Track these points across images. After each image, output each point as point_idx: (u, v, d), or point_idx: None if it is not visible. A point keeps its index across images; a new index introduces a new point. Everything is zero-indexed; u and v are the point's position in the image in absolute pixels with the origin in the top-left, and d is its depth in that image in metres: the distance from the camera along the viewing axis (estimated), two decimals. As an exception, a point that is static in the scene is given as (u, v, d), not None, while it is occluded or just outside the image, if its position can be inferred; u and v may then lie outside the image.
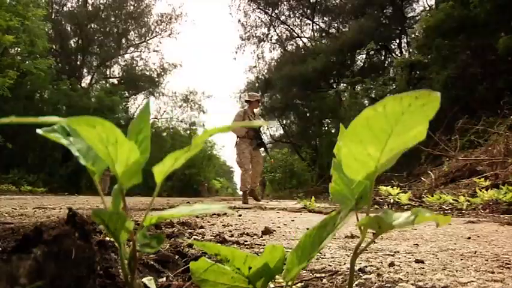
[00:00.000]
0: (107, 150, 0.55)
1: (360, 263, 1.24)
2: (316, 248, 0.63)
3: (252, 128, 8.57)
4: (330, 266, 1.23)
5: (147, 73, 32.14)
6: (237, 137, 8.84)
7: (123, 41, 31.27)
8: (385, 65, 23.36)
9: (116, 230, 0.58)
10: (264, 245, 1.71)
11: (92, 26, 29.47)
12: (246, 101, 9.22)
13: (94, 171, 0.66)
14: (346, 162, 0.60)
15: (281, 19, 29.40)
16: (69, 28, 28.93)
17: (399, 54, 22.06)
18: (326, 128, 27.01)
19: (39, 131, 0.63)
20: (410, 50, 18.11)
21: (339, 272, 1.12)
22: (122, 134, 0.54)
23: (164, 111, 33.41)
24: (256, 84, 29.35)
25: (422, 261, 1.27)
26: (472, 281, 0.99)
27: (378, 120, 0.52)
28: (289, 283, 0.68)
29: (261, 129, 9.00)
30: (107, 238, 0.97)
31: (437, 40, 12.79)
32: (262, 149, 9.09)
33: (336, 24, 28.52)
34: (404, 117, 0.51)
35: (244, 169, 8.46)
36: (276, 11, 29.11)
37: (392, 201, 5.23)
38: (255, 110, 8.89)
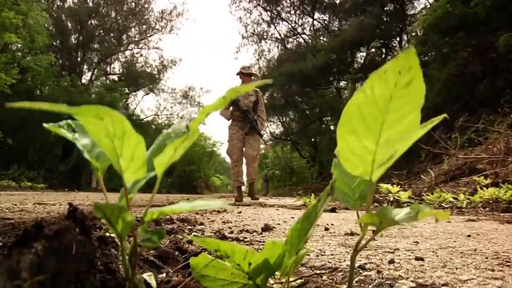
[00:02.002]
0: (113, 144, 0.55)
1: (360, 260, 1.24)
2: (302, 240, 0.63)
3: (237, 109, 7.08)
4: (330, 262, 1.23)
5: (148, 70, 32.17)
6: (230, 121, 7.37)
7: (124, 37, 31.25)
8: (386, 62, 23.31)
9: (117, 224, 0.58)
10: (264, 241, 1.71)
11: (93, 22, 29.46)
12: (238, 75, 7.35)
13: (97, 167, 0.65)
14: (344, 156, 0.59)
15: (282, 16, 29.38)
16: (69, 24, 28.90)
17: (400, 52, 22.02)
18: (326, 126, 27.00)
19: (45, 125, 0.62)
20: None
21: (339, 269, 1.12)
22: (130, 126, 0.53)
23: (164, 108, 33.47)
24: (257, 82, 29.20)
25: (422, 259, 1.27)
26: (472, 279, 0.99)
27: (368, 106, 0.52)
28: (283, 279, 0.68)
29: (252, 108, 7.21)
30: (107, 234, 0.98)
31: (437, 38, 12.76)
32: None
33: (336, 22, 28.50)
34: (393, 103, 0.50)
35: (232, 160, 7.12)
36: (278, 8, 29.08)
37: (392, 199, 5.23)
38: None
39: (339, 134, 0.56)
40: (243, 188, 7.64)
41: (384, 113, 0.51)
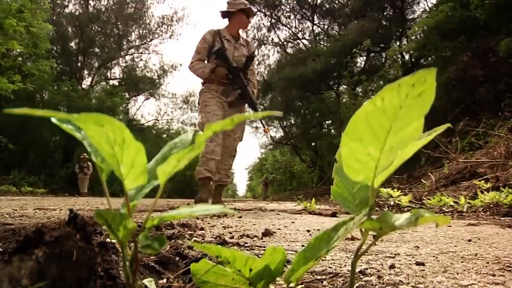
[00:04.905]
0: (113, 150, 0.55)
1: (361, 265, 1.23)
2: (323, 249, 0.62)
3: (224, 63, 4.68)
4: (331, 268, 1.22)
5: (148, 74, 32.25)
6: (202, 83, 4.90)
7: (124, 42, 31.35)
8: (386, 66, 23.37)
9: (118, 231, 0.58)
10: (265, 246, 1.71)
11: (93, 27, 29.54)
12: (222, 14, 5.12)
13: (103, 169, 0.65)
14: (347, 163, 0.58)
15: (282, 21, 29.46)
16: (70, 30, 29.00)
17: (400, 56, 22.10)
18: (326, 130, 27.02)
19: (54, 120, 0.62)
20: (411, 52, 18.13)
21: (340, 274, 1.12)
22: (130, 134, 0.53)
23: (165, 113, 33.55)
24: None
25: (423, 264, 1.27)
26: (473, 284, 0.99)
27: (377, 115, 0.51)
28: (292, 284, 0.68)
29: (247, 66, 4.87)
30: (108, 240, 0.98)
31: (437, 41, 12.79)
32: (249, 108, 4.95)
33: (336, 26, 28.58)
34: (401, 112, 0.50)
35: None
36: (278, 14, 29.17)
37: (392, 203, 5.23)
38: (242, 35, 5.07)
39: (343, 141, 0.56)
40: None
41: (391, 121, 0.51)
